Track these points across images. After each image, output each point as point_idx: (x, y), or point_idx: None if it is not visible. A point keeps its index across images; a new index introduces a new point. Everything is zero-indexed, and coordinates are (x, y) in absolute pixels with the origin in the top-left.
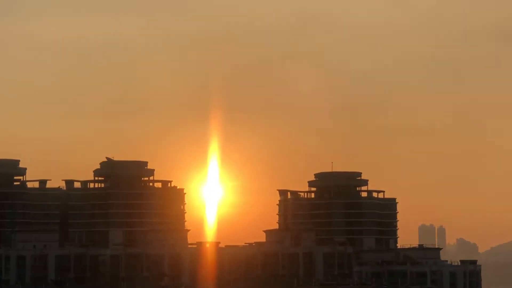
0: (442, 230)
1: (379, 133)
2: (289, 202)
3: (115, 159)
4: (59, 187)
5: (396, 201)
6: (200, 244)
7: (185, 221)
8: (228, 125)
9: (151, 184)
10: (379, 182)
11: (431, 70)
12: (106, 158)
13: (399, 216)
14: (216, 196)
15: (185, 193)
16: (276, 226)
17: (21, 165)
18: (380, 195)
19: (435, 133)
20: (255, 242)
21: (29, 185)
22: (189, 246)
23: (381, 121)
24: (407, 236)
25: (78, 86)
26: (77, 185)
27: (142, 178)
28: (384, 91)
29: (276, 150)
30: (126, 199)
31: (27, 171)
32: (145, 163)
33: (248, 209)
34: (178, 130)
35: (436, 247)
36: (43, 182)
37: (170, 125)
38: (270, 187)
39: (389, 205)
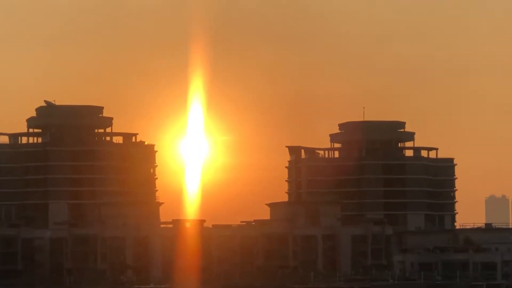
0: None
1: (430, 68)
2: (304, 164)
3: (57, 103)
4: None
5: (454, 162)
6: (177, 223)
7: (156, 190)
8: (216, 56)
9: (108, 138)
10: (430, 135)
11: None
12: (45, 101)
13: (458, 184)
14: (200, 156)
15: (156, 151)
16: (286, 198)
17: None
18: (432, 154)
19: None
20: (255, 221)
21: None
22: (162, 225)
23: (434, 52)
24: (469, 211)
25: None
26: (3, 139)
27: (96, 130)
28: (440, 11)
29: (285, 91)
30: (72, 160)
31: None
32: (100, 109)
33: (245, 173)
34: (145, 63)
35: (510, 227)
36: None
37: (134, 55)
38: (276, 142)
39: (445, 169)
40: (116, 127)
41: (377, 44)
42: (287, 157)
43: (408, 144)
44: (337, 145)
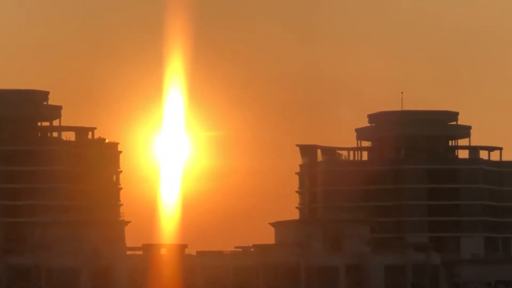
0: None
1: (492, 41)
2: (321, 169)
3: None
4: None
5: None
6: (149, 249)
7: (121, 204)
8: (199, 29)
9: (55, 134)
10: (492, 131)
11: None
12: None
13: None
14: (180, 158)
15: (120, 152)
16: (296, 216)
17: None
18: (495, 156)
19: None
20: (254, 246)
21: None
22: (128, 252)
23: (496, 18)
24: None
25: None
26: None
27: (39, 123)
28: None
29: (293, 71)
30: (7, 163)
31: None
32: (45, 95)
33: (240, 181)
34: (107, 36)
35: None
36: None
37: (93, 26)
38: (283, 140)
39: (511, 175)
40: (67, 119)
41: (419, 7)
42: (298, 159)
43: (462, 142)
44: (366, 144)
